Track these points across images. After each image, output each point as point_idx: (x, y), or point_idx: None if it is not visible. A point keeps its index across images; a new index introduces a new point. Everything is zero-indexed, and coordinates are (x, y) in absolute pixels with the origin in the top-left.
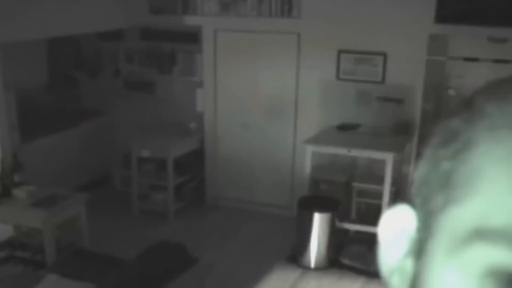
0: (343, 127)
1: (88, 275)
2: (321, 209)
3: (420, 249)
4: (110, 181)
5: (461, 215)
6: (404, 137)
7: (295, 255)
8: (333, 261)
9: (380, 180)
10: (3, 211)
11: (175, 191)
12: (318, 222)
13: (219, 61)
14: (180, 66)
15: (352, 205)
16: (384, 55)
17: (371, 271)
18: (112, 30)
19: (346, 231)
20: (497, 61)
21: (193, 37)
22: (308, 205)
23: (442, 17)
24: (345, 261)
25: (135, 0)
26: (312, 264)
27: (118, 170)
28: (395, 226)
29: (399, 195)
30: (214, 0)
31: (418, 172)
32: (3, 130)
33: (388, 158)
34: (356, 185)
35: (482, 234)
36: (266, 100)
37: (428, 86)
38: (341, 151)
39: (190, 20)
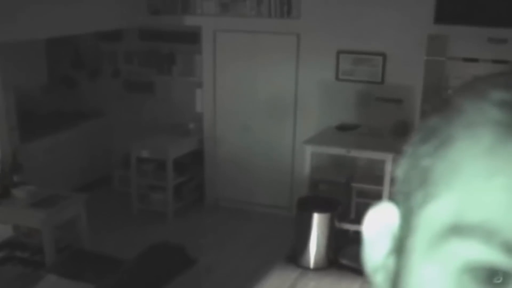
0: (343, 128)
1: (87, 275)
2: (320, 210)
3: (401, 246)
4: (110, 181)
5: (438, 211)
6: (403, 138)
7: (294, 255)
8: (332, 261)
9: (379, 181)
10: (2, 211)
11: (175, 191)
12: (318, 222)
13: (219, 62)
14: (179, 67)
15: (351, 205)
16: (384, 55)
17: None
18: (111, 30)
19: (346, 232)
20: (496, 61)
21: (192, 37)
22: (307, 206)
23: (441, 17)
24: (344, 261)
25: (134, 0)
26: (311, 265)
27: (118, 170)
28: (379, 224)
29: None
30: (213, 1)
31: (399, 170)
32: (2, 131)
33: (388, 159)
34: (356, 185)
35: (458, 229)
36: (265, 100)
37: (428, 87)
38: (341, 151)
39: (189, 21)
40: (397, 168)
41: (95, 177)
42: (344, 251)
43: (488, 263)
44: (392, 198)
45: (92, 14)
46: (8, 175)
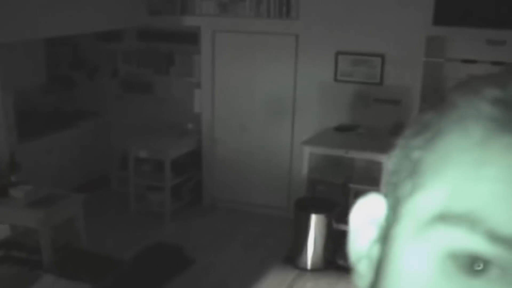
0: (341, 129)
1: (84, 275)
2: (318, 211)
3: (386, 234)
4: (107, 181)
5: (425, 200)
6: None
7: (291, 256)
8: (330, 262)
9: (377, 182)
10: None
11: (172, 192)
12: (315, 223)
13: (217, 62)
14: (178, 67)
15: (349, 206)
16: (382, 56)
17: None
18: (110, 30)
19: (343, 233)
20: (495, 63)
21: (191, 37)
22: (305, 207)
23: (440, 19)
24: (342, 262)
25: (133, 1)
26: (309, 266)
27: (116, 170)
28: (366, 214)
29: None
30: (212, 1)
31: (390, 162)
32: (0, 130)
33: (386, 160)
34: (354, 186)
35: (444, 218)
36: (264, 101)
37: (426, 88)
38: (339, 152)
39: (188, 21)
40: (388, 160)
41: (93, 177)
42: (342, 252)
43: (471, 250)
44: (380, 190)
45: (91, 14)
46: (6, 175)
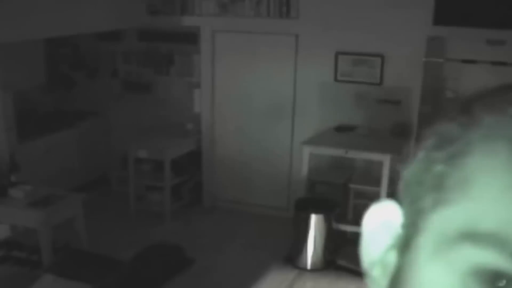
0: (341, 129)
1: (84, 275)
2: (318, 211)
3: (405, 244)
4: (107, 181)
5: (451, 217)
6: (401, 139)
7: (291, 256)
8: (330, 262)
9: (377, 182)
10: None
11: (172, 192)
12: (315, 223)
13: (217, 62)
14: (177, 67)
15: (349, 206)
16: (382, 57)
17: None
18: (110, 30)
19: (343, 233)
20: (494, 63)
21: (191, 37)
22: (305, 207)
23: (440, 19)
24: (342, 262)
25: (133, 1)
26: (309, 265)
27: (115, 170)
28: (380, 220)
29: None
30: (212, 1)
31: (409, 172)
32: (0, 130)
33: (385, 160)
34: (353, 186)
35: (470, 236)
36: (263, 101)
37: (426, 88)
38: (339, 152)
39: (188, 21)
40: (405, 170)
41: (93, 177)
42: (342, 252)
43: (497, 268)
44: (395, 198)
45: (91, 14)
46: (6, 175)
